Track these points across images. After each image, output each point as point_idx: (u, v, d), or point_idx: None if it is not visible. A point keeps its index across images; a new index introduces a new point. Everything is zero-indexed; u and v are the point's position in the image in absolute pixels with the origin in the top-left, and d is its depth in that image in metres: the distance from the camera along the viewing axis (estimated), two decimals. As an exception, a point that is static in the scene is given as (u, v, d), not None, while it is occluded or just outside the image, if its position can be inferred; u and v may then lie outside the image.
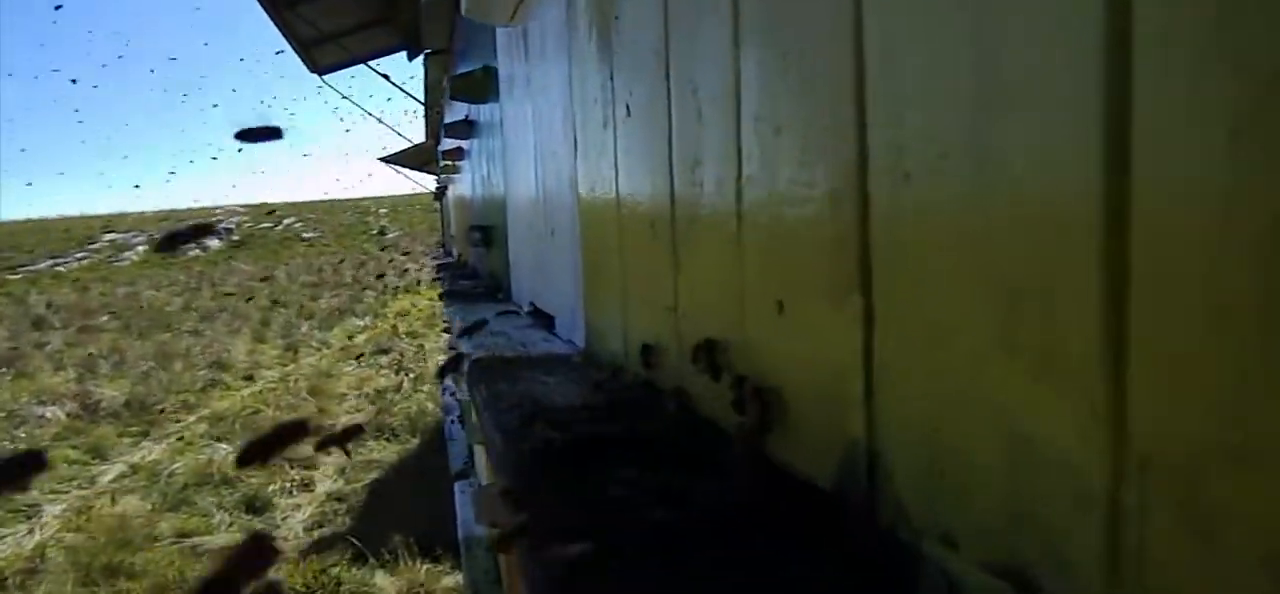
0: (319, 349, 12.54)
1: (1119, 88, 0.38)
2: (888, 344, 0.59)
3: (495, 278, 3.48)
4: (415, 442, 7.42)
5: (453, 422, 4.55)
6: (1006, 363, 0.47)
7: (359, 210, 40.74)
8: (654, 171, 1.07)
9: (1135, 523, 0.39)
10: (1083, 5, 0.40)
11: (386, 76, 8.47)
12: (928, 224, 0.54)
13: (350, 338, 13.41)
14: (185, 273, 26.79)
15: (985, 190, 0.48)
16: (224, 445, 7.39)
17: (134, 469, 7.22)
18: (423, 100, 9.39)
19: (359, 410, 8.55)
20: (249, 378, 10.63)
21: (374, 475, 6.70)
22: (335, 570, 4.86)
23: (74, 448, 7.74)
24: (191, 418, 8.76)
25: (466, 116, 4.42)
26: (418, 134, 11.27)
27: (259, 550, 0.40)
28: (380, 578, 4.77)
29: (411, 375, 9.59)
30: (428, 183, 13.01)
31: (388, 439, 7.53)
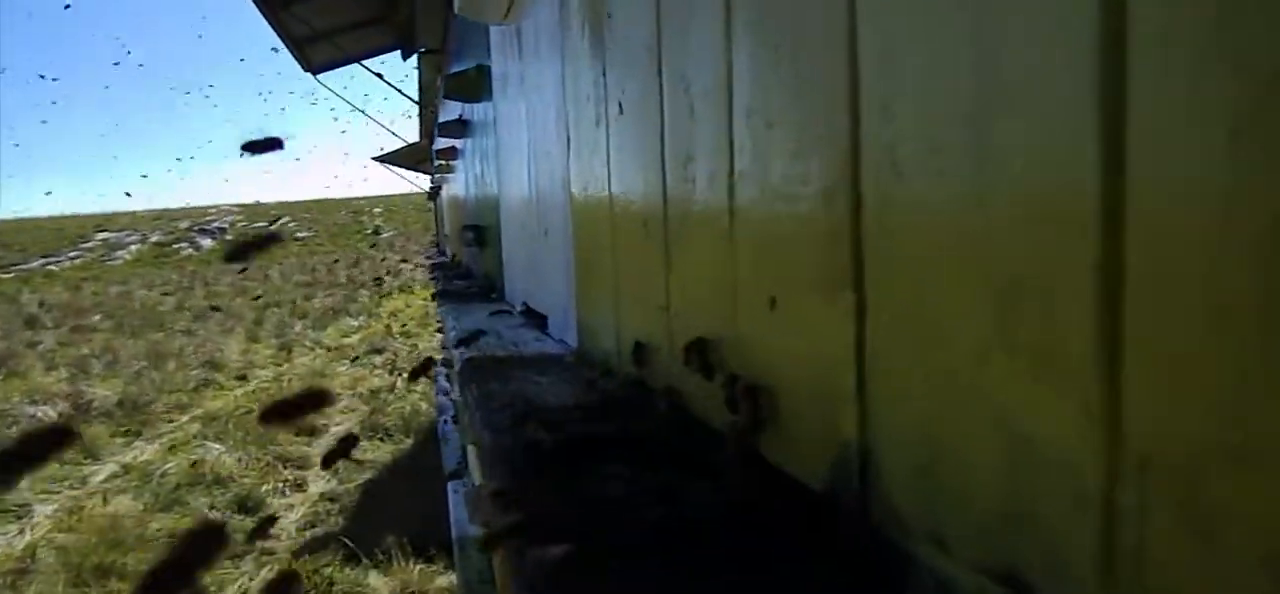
0: (312, 349, 12.50)
1: (1115, 86, 0.38)
2: (880, 341, 0.59)
3: (489, 278, 3.47)
4: (409, 441, 7.40)
5: (446, 421, 4.53)
6: (1001, 361, 0.47)
7: (353, 210, 40.66)
8: (646, 169, 1.06)
9: (1133, 523, 0.39)
10: (1079, 3, 0.39)
11: (380, 75, 8.45)
12: (921, 220, 0.53)
13: (344, 337, 13.38)
14: (178, 272, 26.69)
15: (979, 186, 0.47)
16: (217, 446, 7.36)
17: (126, 469, 7.18)
18: (417, 99, 9.37)
19: (352, 410, 8.52)
20: (242, 378, 10.58)
21: (367, 475, 6.67)
22: (328, 570, 4.84)
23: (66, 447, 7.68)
24: (184, 418, 8.72)
25: (460, 116, 4.41)
26: (412, 134, 11.26)
27: (210, 538, 0.39)
28: (373, 578, 4.75)
29: (405, 375, 9.56)
30: (422, 183, 12.99)
31: (381, 439, 7.50)
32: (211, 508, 6.12)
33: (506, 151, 2.69)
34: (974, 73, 0.47)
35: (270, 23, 6.44)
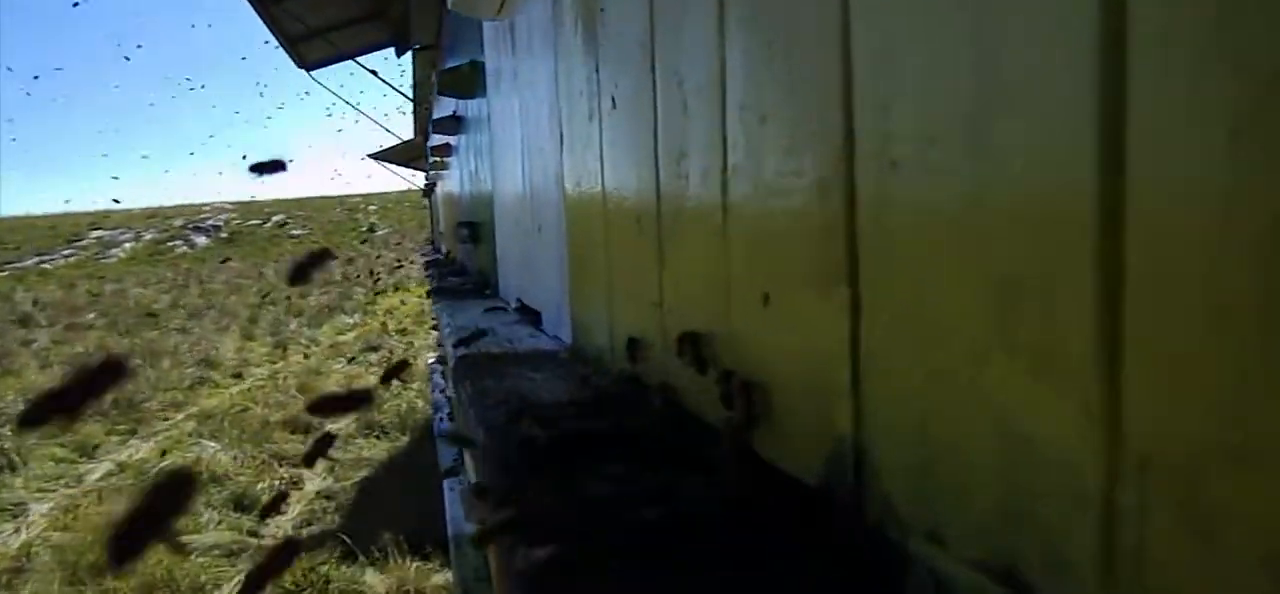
0: (308, 347, 12.48)
1: (1115, 85, 0.37)
2: (875, 336, 0.58)
3: (483, 274, 3.46)
4: (405, 439, 7.39)
5: (442, 419, 4.53)
6: (999, 359, 0.46)
7: (348, 207, 40.57)
8: (639, 164, 1.05)
9: (1133, 522, 0.38)
10: (1079, 3, 0.39)
11: (374, 73, 8.42)
12: (916, 214, 0.52)
13: (339, 335, 13.35)
14: (172, 270, 26.62)
15: (977, 183, 0.47)
16: (212, 444, 7.34)
17: (121, 467, 7.16)
18: (411, 96, 9.35)
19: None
20: (238, 376, 10.56)
21: (363, 473, 6.66)
22: (324, 568, 4.83)
23: (61, 446, 7.67)
24: (179, 416, 8.70)
25: (454, 112, 4.39)
26: (407, 131, 11.22)
27: (178, 487, 0.38)
28: (370, 576, 4.74)
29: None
30: (417, 180, 12.96)
31: (377, 437, 7.49)
32: (207, 506, 6.10)
33: (500, 147, 2.68)
34: (972, 70, 0.46)
35: (264, 19, 6.41)
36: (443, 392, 4.67)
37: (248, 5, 6.01)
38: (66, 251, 31.84)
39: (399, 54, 8.07)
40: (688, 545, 0.67)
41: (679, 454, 0.85)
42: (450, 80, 3.36)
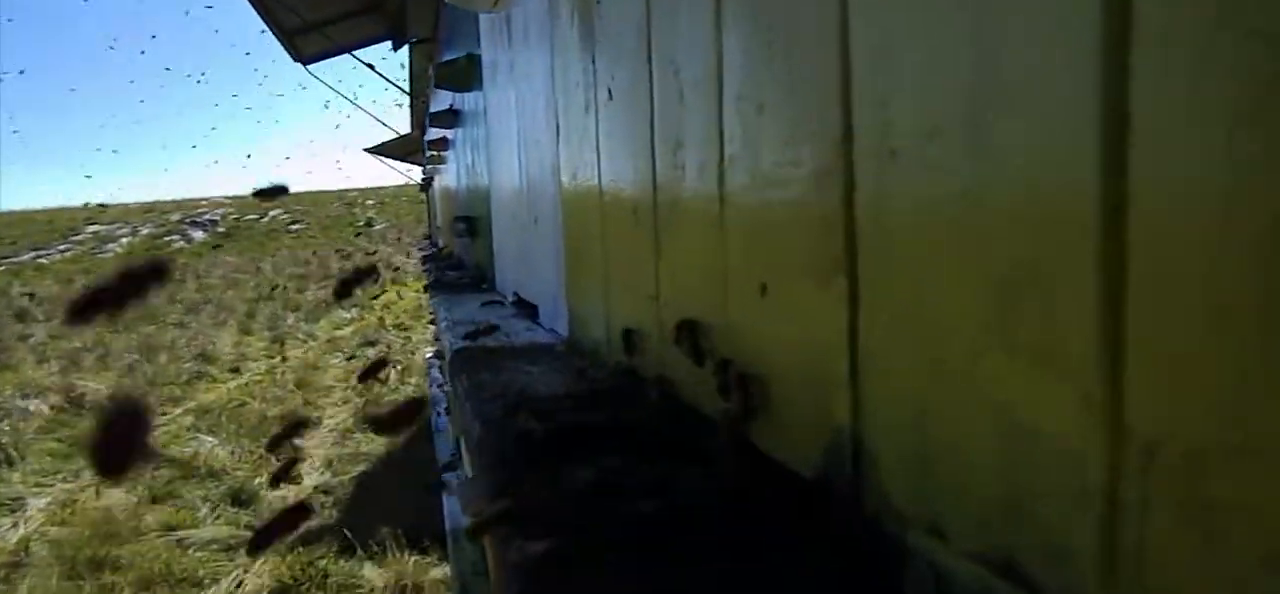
0: (305, 341, 12.46)
1: (1117, 83, 0.37)
2: (873, 328, 0.58)
3: (480, 268, 3.45)
4: (402, 434, 7.37)
5: (439, 414, 4.52)
6: (998, 349, 0.46)
7: (345, 201, 40.50)
8: (636, 155, 1.04)
9: (1134, 518, 0.38)
10: (1081, 2, 0.38)
11: (371, 67, 8.39)
12: (916, 206, 0.52)
13: (337, 330, 13.34)
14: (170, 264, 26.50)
15: (977, 179, 0.46)
16: (210, 438, 7.33)
17: (119, 463, 7.14)
18: (408, 90, 9.32)
19: (346, 403, 8.50)
20: (235, 370, 10.55)
21: (361, 468, 6.66)
22: (322, 562, 4.83)
23: (59, 441, 7.65)
24: (177, 411, 8.69)
25: (451, 106, 4.38)
26: (404, 125, 11.19)
27: (136, 414, 0.38)
28: (368, 570, 4.74)
29: (399, 367, 9.54)
30: (414, 174, 12.93)
31: (374, 431, 7.47)
32: (205, 500, 6.10)
33: (496, 141, 2.67)
34: (972, 67, 0.46)
35: (259, 13, 6.39)
36: (440, 386, 4.66)
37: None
38: (63, 246, 31.77)
39: (396, 48, 8.05)
40: (685, 537, 0.66)
41: (676, 446, 0.85)
42: (447, 74, 3.35)
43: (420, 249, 11.25)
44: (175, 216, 36.70)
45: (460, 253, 4.79)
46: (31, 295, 19.41)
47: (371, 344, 11.31)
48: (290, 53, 7.54)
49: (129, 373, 10.19)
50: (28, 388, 9.44)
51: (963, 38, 0.46)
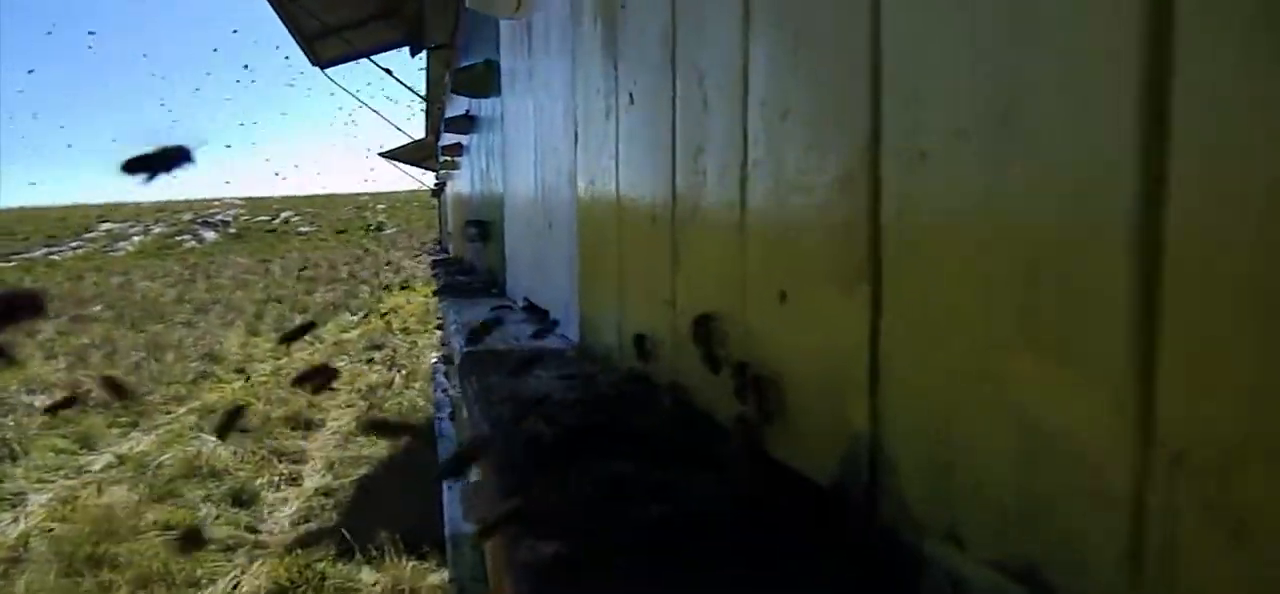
0: (312, 343, 12.48)
1: (1159, 67, 0.36)
2: (896, 333, 0.57)
3: (491, 273, 3.45)
4: (405, 438, 7.37)
5: (443, 418, 4.51)
6: (1024, 354, 0.45)
7: (357, 205, 40.67)
8: (656, 161, 1.04)
9: (1162, 522, 0.37)
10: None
11: (389, 71, 8.44)
12: (943, 207, 0.51)
13: (343, 333, 13.36)
14: (180, 264, 26.71)
15: (1009, 172, 0.46)
16: (212, 438, 7.33)
17: (122, 460, 7.15)
18: (424, 95, 9.37)
19: (350, 406, 8.50)
20: (241, 371, 10.57)
21: (363, 471, 6.65)
22: (320, 565, 4.81)
23: (62, 437, 7.67)
24: (181, 410, 8.70)
25: (467, 112, 4.40)
26: (418, 132, 11.25)
27: (32, 301, 0.39)
28: (366, 574, 4.72)
29: (403, 371, 9.55)
30: (427, 180, 12.98)
31: (377, 435, 7.47)
32: (206, 500, 6.10)
33: (513, 146, 2.68)
34: (1004, 50, 0.46)
35: (281, 17, 6.44)
36: (445, 391, 4.66)
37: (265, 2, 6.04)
38: (75, 244, 31.97)
39: (413, 53, 8.10)
40: (697, 543, 0.66)
41: (689, 452, 0.84)
42: (465, 79, 3.37)
43: (430, 254, 11.27)
44: (187, 216, 36.90)
45: (471, 257, 4.80)
46: (42, 291, 19.47)
47: (377, 348, 11.32)
48: (309, 57, 7.60)
49: (135, 371, 10.22)
50: (34, 383, 9.47)
51: (999, 23, 0.46)
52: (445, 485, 3.44)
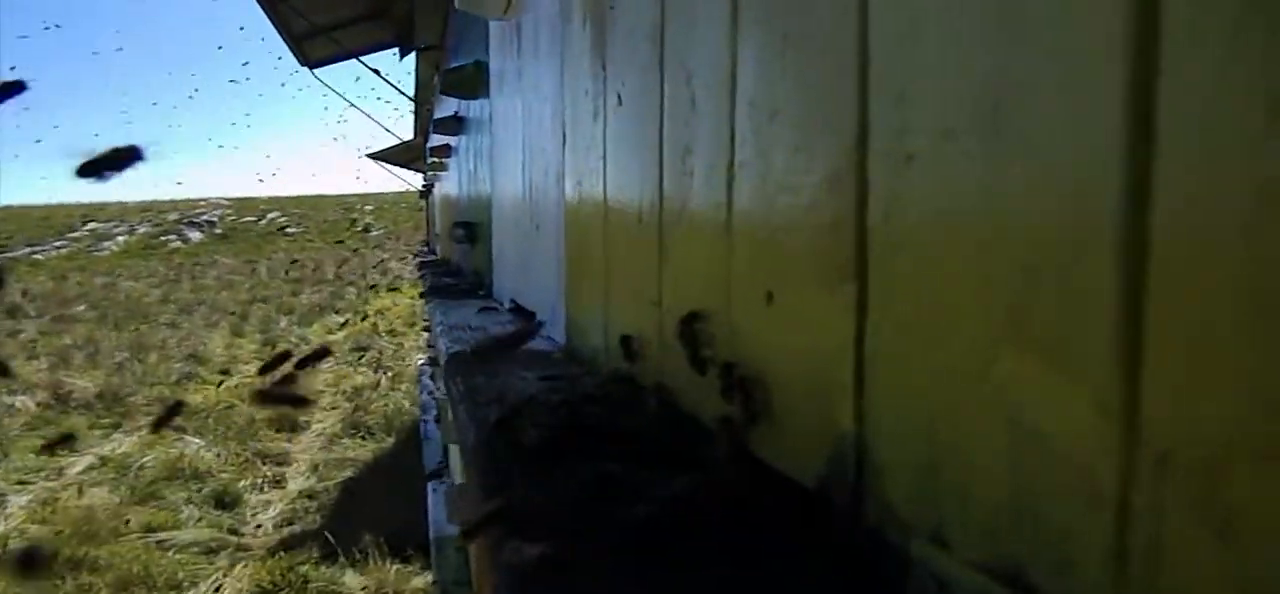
0: (297, 345, 12.40)
1: (1146, 62, 0.36)
2: (882, 333, 0.57)
3: (478, 274, 3.44)
4: (390, 440, 7.33)
5: (429, 421, 4.49)
6: (1011, 354, 0.45)
7: (344, 206, 40.47)
8: (643, 161, 1.04)
9: (1148, 522, 0.37)
10: None
11: (377, 71, 8.41)
12: (932, 207, 0.51)
13: (329, 335, 13.28)
14: (165, 264, 26.49)
15: (997, 170, 0.46)
16: (196, 440, 7.27)
17: (103, 461, 7.07)
18: (413, 97, 9.35)
19: (335, 408, 8.45)
20: (225, 372, 10.48)
21: (347, 474, 6.60)
22: (303, 568, 4.77)
23: (43, 438, 7.57)
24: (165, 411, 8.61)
25: (456, 113, 4.39)
26: (407, 134, 11.21)
27: None
28: (349, 577, 4.68)
29: (389, 374, 9.50)
30: (415, 181, 12.94)
31: (363, 437, 7.43)
32: (188, 502, 6.04)
33: (501, 147, 2.67)
34: (995, 52, 0.46)
35: (270, 17, 6.40)
36: (431, 393, 4.64)
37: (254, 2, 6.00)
38: (59, 243, 31.63)
39: (402, 55, 8.07)
40: (683, 543, 0.65)
41: (674, 454, 0.84)
42: (454, 80, 3.36)
43: (417, 256, 11.23)
44: (173, 216, 36.61)
45: (458, 259, 4.78)
46: (25, 291, 19.28)
47: (363, 350, 11.25)
48: (298, 57, 7.56)
49: (118, 372, 10.11)
50: (15, 384, 9.35)
51: (984, 32, 0.46)
52: (430, 488, 3.42)
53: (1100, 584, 0.40)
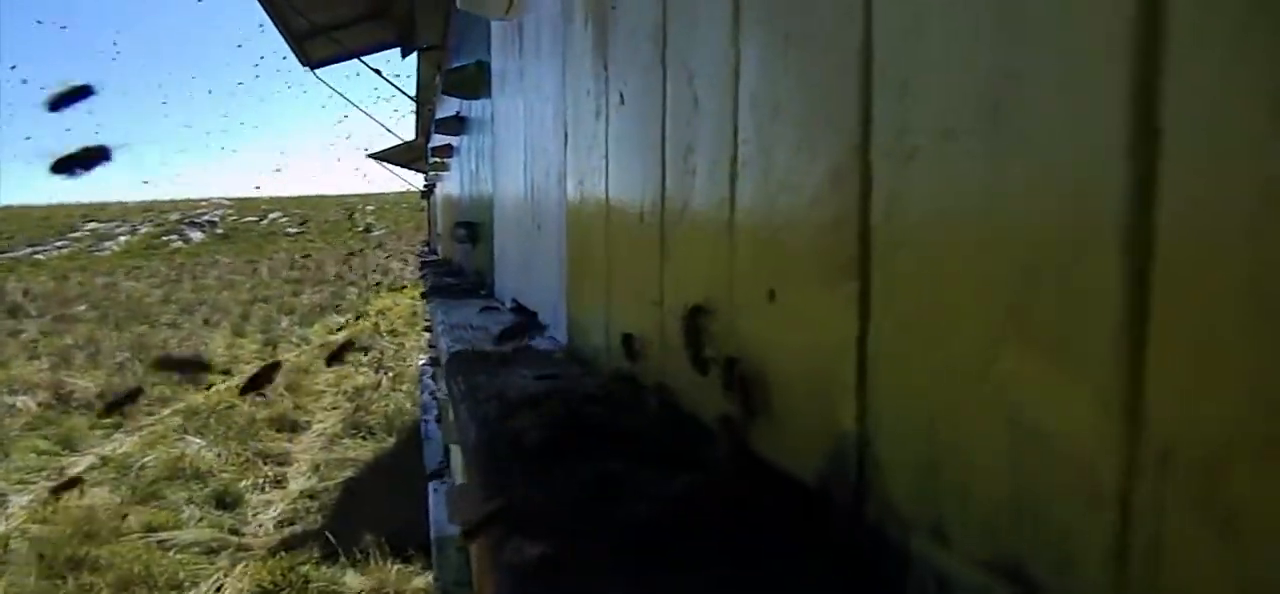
0: (298, 345, 12.41)
1: (1150, 63, 0.36)
2: (884, 330, 0.57)
3: (479, 274, 3.44)
4: (391, 441, 7.34)
5: (430, 421, 4.49)
6: (1014, 350, 0.45)
7: (345, 206, 40.48)
8: (645, 160, 1.04)
9: (1150, 519, 0.37)
10: None
11: (378, 72, 8.41)
12: (934, 204, 0.51)
13: (330, 335, 13.29)
14: (166, 264, 26.50)
15: (1000, 166, 0.46)
16: (197, 440, 7.27)
17: (104, 461, 7.08)
18: (415, 97, 9.35)
19: (336, 408, 8.45)
20: (226, 372, 10.49)
21: (348, 474, 6.61)
22: (304, 568, 4.78)
23: (44, 439, 7.59)
24: (166, 411, 8.62)
25: (457, 113, 4.39)
26: (408, 134, 11.21)
27: None
28: (350, 577, 4.69)
29: (390, 374, 9.50)
30: (416, 181, 12.95)
31: (364, 437, 7.44)
32: (189, 502, 6.04)
33: (503, 147, 2.67)
34: (997, 50, 0.46)
35: (271, 17, 6.40)
36: (432, 393, 4.64)
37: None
38: (60, 243, 31.65)
39: (404, 55, 8.07)
40: (683, 543, 0.65)
41: (674, 453, 0.84)
42: (455, 80, 3.36)
43: (419, 256, 11.23)
44: (174, 216, 36.64)
45: (459, 259, 4.79)
46: (26, 291, 19.30)
47: (365, 350, 11.25)
48: (299, 57, 7.56)
49: (119, 372, 10.12)
50: (16, 384, 9.36)
51: (986, 29, 0.46)
52: (431, 488, 3.42)
53: (1101, 581, 0.40)
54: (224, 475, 6.49)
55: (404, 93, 9.36)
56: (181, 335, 13.04)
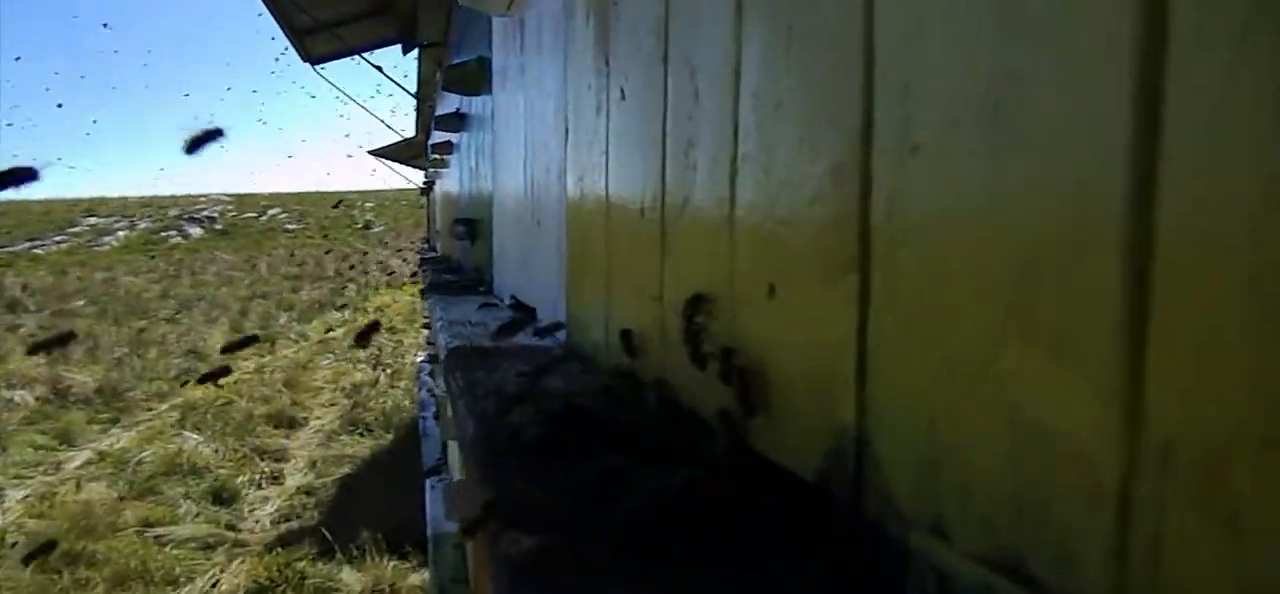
0: (298, 341, 12.40)
1: (1153, 64, 0.36)
2: (884, 326, 0.57)
3: (478, 271, 3.44)
4: (389, 437, 7.33)
5: (427, 417, 4.49)
6: (1014, 346, 0.45)
7: (345, 203, 40.44)
8: (646, 156, 1.04)
9: (1151, 515, 0.37)
10: None
11: (379, 68, 8.40)
12: (935, 201, 0.51)
13: (329, 331, 13.28)
14: (165, 260, 26.49)
15: (1001, 163, 0.46)
16: (195, 436, 7.27)
17: (102, 456, 7.07)
18: (415, 93, 9.35)
19: (334, 405, 8.44)
20: (224, 368, 10.48)
21: (345, 470, 6.60)
22: (301, 564, 4.77)
23: (42, 433, 7.58)
24: (163, 406, 8.62)
25: (458, 109, 4.39)
26: (408, 130, 11.21)
27: None
28: (346, 573, 4.68)
29: (388, 370, 9.50)
30: (416, 178, 12.95)
31: (361, 434, 7.43)
32: (186, 497, 6.03)
33: (503, 143, 2.67)
34: (999, 48, 0.45)
35: (273, 13, 6.40)
36: (430, 390, 4.64)
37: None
38: (59, 238, 31.62)
39: (405, 51, 8.07)
40: (682, 541, 0.65)
41: (673, 448, 0.83)
42: (456, 77, 3.36)
43: (418, 253, 11.23)
44: (173, 212, 36.61)
45: (459, 256, 4.78)
46: (25, 286, 19.28)
47: (363, 346, 11.23)
48: (300, 53, 7.55)
49: (117, 367, 10.11)
50: (14, 378, 9.35)
51: (989, 28, 0.46)
52: (428, 485, 3.42)
53: (1101, 579, 0.40)
54: (221, 471, 6.48)
55: (404, 89, 9.36)
56: (180, 330, 13.02)
